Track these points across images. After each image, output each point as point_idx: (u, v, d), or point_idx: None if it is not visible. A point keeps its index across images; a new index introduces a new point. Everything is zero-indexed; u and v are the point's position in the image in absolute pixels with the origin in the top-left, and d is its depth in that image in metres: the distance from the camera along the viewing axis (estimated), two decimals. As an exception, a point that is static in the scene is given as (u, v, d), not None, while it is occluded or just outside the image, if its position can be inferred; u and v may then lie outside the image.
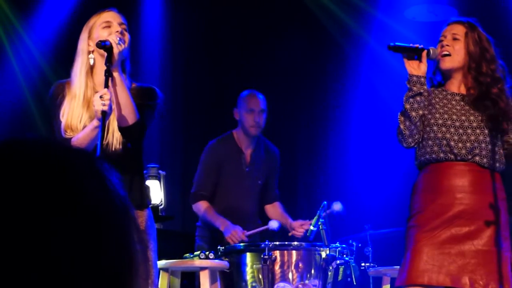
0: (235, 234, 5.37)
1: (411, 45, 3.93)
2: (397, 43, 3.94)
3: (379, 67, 7.23)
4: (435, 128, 3.89)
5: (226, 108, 7.17)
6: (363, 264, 5.42)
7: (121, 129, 3.67)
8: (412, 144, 3.96)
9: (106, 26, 3.73)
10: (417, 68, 3.91)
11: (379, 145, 7.11)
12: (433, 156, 3.89)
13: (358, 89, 7.52)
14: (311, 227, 5.21)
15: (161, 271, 4.85)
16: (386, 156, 6.97)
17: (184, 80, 7.62)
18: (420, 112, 3.90)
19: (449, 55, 3.95)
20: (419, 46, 3.92)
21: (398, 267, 5.33)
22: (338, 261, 5.04)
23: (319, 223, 5.16)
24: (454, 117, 3.90)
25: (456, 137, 3.86)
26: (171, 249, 5.07)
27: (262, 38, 7.63)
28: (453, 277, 3.73)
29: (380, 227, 5.83)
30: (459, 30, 3.97)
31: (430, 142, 3.90)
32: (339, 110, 7.59)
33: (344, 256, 5.08)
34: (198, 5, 7.67)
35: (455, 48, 3.95)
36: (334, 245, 5.13)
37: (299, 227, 5.55)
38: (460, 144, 3.84)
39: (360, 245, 5.42)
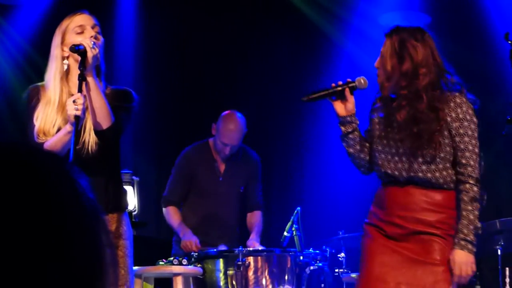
0: (189, 244, 5.39)
1: (332, 85, 3.78)
2: (311, 94, 3.80)
3: (356, 72, 7.25)
4: (376, 154, 3.79)
5: (201, 113, 7.17)
6: (336, 270, 5.43)
7: (96, 132, 3.66)
8: (366, 172, 3.94)
9: (79, 32, 3.71)
10: (343, 108, 3.81)
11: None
12: (383, 180, 3.83)
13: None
14: (285, 233, 5.21)
15: (134, 278, 4.83)
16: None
17: (158, 84, 7.59)
18: (357, 147, 3.85)
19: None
20: (341, 83, 3.77)
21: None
22: (311, 267, 5.05)
23: (293, 228, 5.16)
24: (385, 141, 3.76)
25: (392, 165, 3.72)
26: (145, 255, 5.04)
27: (238, 41, 7.63)
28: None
29: (354, 233, 5.84)
30: (383, 46, 3.81)
31: (376, 168, 3.83)
32: (314, 115, 7.59)
33: (318, 262, 5.09)
34: (173, 6, 7.64)
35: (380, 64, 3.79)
36: (307, 250, 5.13)
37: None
38: (396, 173, 3.70)
39: (333, 251, 5.44)
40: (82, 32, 3.71)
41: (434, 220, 3.65)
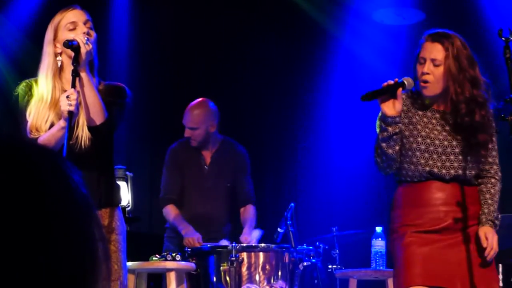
0: (191, 241, 5.39)
1: (384, 85, 3.73)
2: (369, 92, 3.74)
3: (352, 67, 7.26)
4: (417, 153, 3.81)
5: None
6: (330, 266, 5.43)
7: (89, 128, 3.67)
8: (390, 172, 3.89)
9: (71, 28, 3.71)
10: (392, 108, 3.74)
11: (347, 147, 7.13)
12: (415, 180, 3.82)
13: (328, 90, 7.53)
14: (279, 229, 5.20)
15: (127, 273, 4.83)
16: (354, 159, 6.99)
17: (152, 80, 7.58)
18: (397, 148, 3.78)
19: (428, 82, 3.79)
20: (392, 82, 3.72)
21: (365, 269, 5.37)
22: (305, 263, 5.05)
23: (287, 224, 5.16)
24: (437, 141, 3.82)
25: (439, 164, 3.79)
26: (138, 251, 5.04)
27: (232, 37, 7.61)
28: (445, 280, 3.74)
29: (347, 229, 5.84)
30: (438, 53, 3.77)
31: (412, 167, 3.82)
32: (307, 112, 7.60)
33: (311, 258, 5.09)
34: (166, 2, 7.63)
35: (435, 75, 3.77)
36: (301, 247, 5.13)
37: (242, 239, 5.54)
38: (444, 171, 3.78)
39: (327, 247, 5.44)
40: (74, 29, 3.70)
41: (475, 212, 3.84)
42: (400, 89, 3.74)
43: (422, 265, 3.72)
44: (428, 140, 3.83)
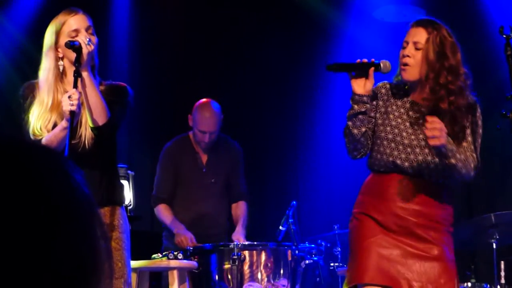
0: (184, 240, 5.39)
1: (357, 61, 3.73)
2: (337, 63, 3.79)
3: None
4: (384, 142, 3.79)
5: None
6: (332, 264, 5.44)
7: (92, 128, 3.68)
8: (358, 157, 3.87)
9: (73, 36, 3.71)
10: (362, 86, 3.74)
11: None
12: (381, 170, 3.80)
13: (330, 89, 7.53)
14: (280, 227, 5.21)
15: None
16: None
17: (153, 79, 7.58)
18: (363, 129, 3.77)
19: (408, 65, 3.75)
20: (366, 61, 3.72)
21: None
22: (307, 261, 5.05)
23: (288, 223, 5.16)
24: (404, 133, 3.78)
25: (403, 156, 3.75)
26: (140, 250, 5.04)
27: (233, 35, 7.61)
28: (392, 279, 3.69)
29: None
30: (421, 37, 3.73)
31: (378, 156, 3.80)
32: (309, 111, 7.60)
33: (313, 256, 5.10)
34: (167, 2, 7.63)
35: (415, 59, 3.73)
36: (303, 245, 5.14)
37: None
38: (406, 164, 3.73)
39: (329, 245, 5.44)
40: (76, 36, 3.71)
41: (439, 215, 3.72)
42: (372, 68, 3.72)
43: (376, 263, 3.66)
44: (396, 130, 3.79)
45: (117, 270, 3.74)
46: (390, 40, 7.14)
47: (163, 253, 4.93)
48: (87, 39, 3.62)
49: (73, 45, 3.61)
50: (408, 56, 3.75)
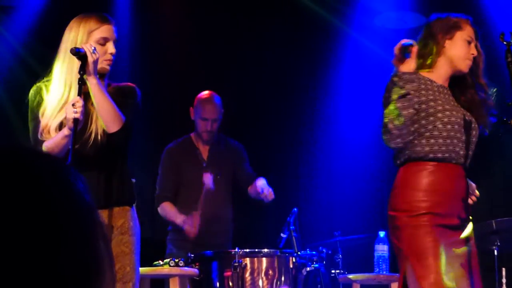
0: (190, 229, 5.46)
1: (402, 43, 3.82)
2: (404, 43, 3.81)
3: (354, 68, 7.25)
4: (440, 126, 3.76)
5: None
6: (333, 271, 5.42)
7: (109, 135, 3.65)
8: (401, 145, 3.73)
9: (101, 43, 3.71)
10: (407, 65, 3.78)
11: (350, 152, 7.12)
12: (439, 155, 3.74)
13: (331, 96, 7.53)
14: (282, 234, 5.20)
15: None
16: (357, 163, 6.99)
17: (154, 84, 7.56)
18: (411, 110, 3.70)
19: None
20: (409, 42, 3.81)
21: (368, 274, 5.37)
22: (308, 268, 5.04)
23: (289, 230, 5.16)
24: (459, 115, 3.85)
25: (459, 135, 3.80)
26: (141, 256, 5.03)
27: (235, 34, 7.59)
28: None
29: (350, 234, 5.84)
30: (477, 41, 3.98)
31: (432, 141, 3.75)
32: (310, 118, 7.59)
33: (314, 263, 5.09)
34: (167, 2, 7.63)
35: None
36: (304, 252, 5.13)
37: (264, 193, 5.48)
38: (460, 144, 3.79)
39: (330, 252, 5.43)
40: (104, 44, 3.71)
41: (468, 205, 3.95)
42: (415, 47, 3.82)
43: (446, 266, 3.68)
44: (448, 113, 3.82)
45: (125, 274, 3.73)
46: (391, 46, 7.14)
47: (164, 260, 4.92)
48: (92, 48, 3.59)
49: (78, 52, 3.57)
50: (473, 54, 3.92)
